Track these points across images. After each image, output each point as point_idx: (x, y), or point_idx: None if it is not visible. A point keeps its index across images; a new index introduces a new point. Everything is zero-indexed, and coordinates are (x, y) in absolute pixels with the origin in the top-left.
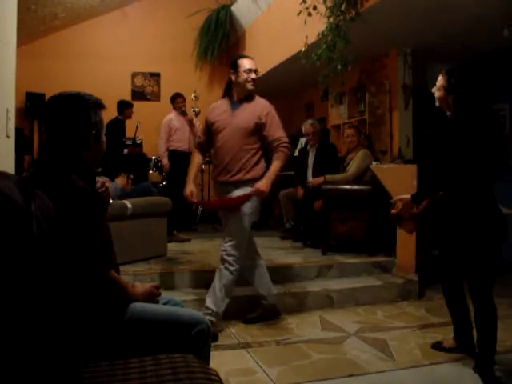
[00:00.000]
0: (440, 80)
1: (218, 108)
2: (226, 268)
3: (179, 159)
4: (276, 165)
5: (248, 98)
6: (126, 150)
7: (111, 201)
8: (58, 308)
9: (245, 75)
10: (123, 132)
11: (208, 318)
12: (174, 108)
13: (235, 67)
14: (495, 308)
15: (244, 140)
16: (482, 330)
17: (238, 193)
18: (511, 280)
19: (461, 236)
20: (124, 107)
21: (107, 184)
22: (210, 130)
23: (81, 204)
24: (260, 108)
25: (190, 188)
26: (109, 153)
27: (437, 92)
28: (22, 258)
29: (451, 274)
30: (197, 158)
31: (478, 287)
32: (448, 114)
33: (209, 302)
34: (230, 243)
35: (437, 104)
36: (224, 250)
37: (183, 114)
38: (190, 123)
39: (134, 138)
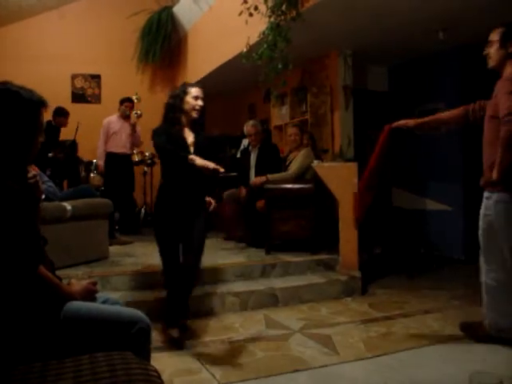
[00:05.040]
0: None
1: None
2: None
3: (117, 161)
4: None
5: None
6: (50, 154)
7: (43, 196)
8: None
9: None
10: (52, 137)
11: None
12: (118, 110)
13: None
14: None
15: None
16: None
17: None
18: (452, 273)
19: None
20: (56, 115)
21: (38, 178)
22: None
23: (5, 200)
24: None
25: None
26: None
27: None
28: None
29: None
30: None
31: None
32: None
33: None
34: None
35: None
36: None
37: (126, 117)
38: (133, 127)
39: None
